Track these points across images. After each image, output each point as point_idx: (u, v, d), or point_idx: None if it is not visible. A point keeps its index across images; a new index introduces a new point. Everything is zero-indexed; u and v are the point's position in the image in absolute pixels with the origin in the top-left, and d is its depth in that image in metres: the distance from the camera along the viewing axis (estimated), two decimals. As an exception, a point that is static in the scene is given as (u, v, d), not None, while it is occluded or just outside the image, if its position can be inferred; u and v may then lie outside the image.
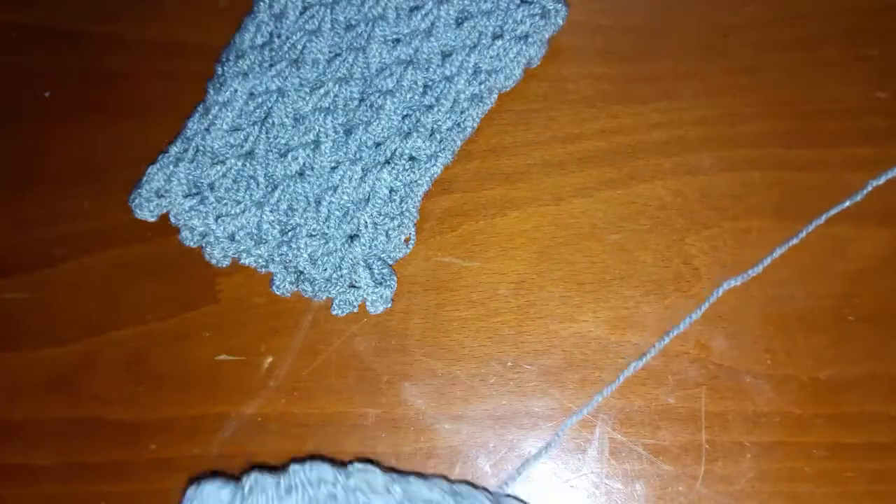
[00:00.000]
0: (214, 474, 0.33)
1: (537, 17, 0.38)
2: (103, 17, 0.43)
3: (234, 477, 0.32)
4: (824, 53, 0.39)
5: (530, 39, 0.38)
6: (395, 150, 0.37)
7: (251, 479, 0.31)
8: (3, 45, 0.43)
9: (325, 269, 0.35)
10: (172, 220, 0.37)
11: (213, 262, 0.36)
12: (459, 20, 0.38)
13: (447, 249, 0.37)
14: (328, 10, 0.38)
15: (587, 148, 0.38)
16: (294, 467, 0.32)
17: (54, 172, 0.40)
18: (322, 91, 0.37)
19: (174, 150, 0.37)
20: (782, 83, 0.38)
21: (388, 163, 0.36)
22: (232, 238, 0.36)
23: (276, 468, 0.33)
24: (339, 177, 0.36)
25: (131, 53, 0.42)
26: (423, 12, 0.38)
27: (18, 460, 0.36)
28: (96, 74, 0.42)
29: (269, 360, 0.36)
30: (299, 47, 0.38)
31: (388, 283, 0.35)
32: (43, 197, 0.39)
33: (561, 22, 0.38)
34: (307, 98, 0.37)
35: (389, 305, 0.35)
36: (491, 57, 0.38)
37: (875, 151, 0.37)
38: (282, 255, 0.36)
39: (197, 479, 0.32)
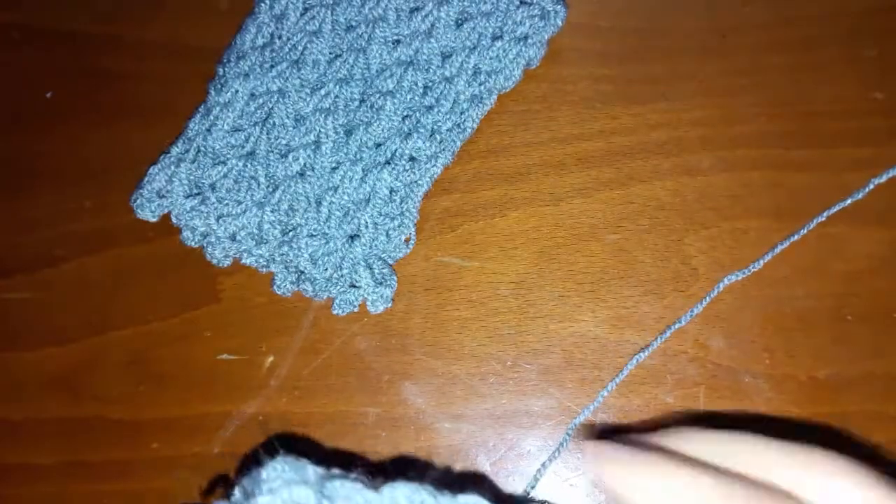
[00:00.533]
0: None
1: (537, 19, 0.38)
2: (104, 17, 0.43)
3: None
4: (822, 54, 0.39)
5: (530, 41, 0.38)
6: (396, 150, 0.37)
7: (336, 486, 0.26)
8: (3, 45, 0.43)
9: (326, 269, 0.35)
10: (174, 220, 0.37)
11: (215, 261, 0.37)
12: (459, 21, 0.38)
13: (447, 249, 0.37)
14: (329, 11, 0.39)
15: (586, 148, 0.38)
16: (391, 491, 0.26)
17: (55, 172, 0.40)
18: (323, 92, 0.37)
19: (176, 150, 0.37)
20: (780, 84, 0.39)
21: (389, 163, 0.36)
22: (233, 238, 0.36)
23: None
24: (339, 177, 0.36)
25: (132, 54, 0.42)
26: (424, 13, 0.38)
27: (19, 460, 0.36)
28: (97, 75, 0.42)
29: (270, 359, 0.36)
30: (300, 48, 0.38)
31: (388, 282, 0.35)
32: (43, 197, 0.39)
33: (560, 23, 0.38)
34: (308, 99, 0.37)
35: (390, 305, 0.36)
36: (491, 58, 0.38)
37: (873, 152, 0.37)
38: (283, 255, 0.36)
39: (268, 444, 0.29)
